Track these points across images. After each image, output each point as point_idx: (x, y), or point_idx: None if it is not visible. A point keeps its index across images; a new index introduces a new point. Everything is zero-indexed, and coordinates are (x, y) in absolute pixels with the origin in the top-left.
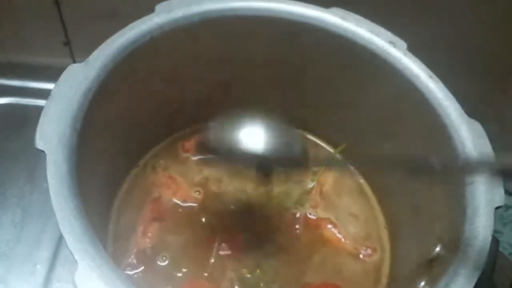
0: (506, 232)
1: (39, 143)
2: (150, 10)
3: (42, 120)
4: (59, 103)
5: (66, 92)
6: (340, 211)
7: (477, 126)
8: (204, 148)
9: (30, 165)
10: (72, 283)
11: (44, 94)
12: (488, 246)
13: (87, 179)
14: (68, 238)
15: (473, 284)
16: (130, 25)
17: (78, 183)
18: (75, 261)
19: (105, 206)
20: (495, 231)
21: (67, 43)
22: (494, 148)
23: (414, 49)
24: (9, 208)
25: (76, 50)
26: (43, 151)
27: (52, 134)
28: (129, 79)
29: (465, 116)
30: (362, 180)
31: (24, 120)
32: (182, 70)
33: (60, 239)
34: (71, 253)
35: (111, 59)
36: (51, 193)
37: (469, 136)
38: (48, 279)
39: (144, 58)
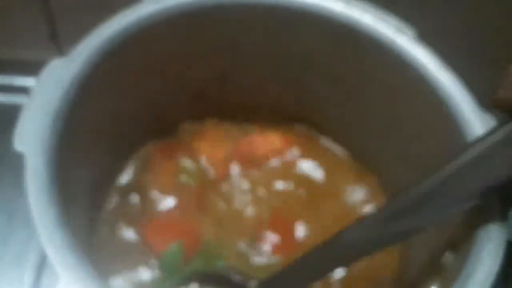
0: None
1: (19, 145)
2: (139, 1)
3: (21, 120)
4: (39, 102)
5: (47, 89)
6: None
7: (491, 120)
8: None
9: (16, 168)
10: None
11: (29, 90)
12: (502, 250)
13: (70, 183)
14: (50, 251)
15: None
16: (117, 16)
17: (59, 189)
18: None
19: (89, 213)
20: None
21: (54, 37)
22: None
23: (424, 37)
24: None
25: (64, 44)
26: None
27: (32, 136)
28: (117, 73)
29: (478, 109)
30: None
31: (9, 119)
32: (174, 64)
33: None
34: (53, 267)
35: (97, 52)
36: (30, 201)
37: (481, 130)
38: (36, 285)
39: (132, 51)
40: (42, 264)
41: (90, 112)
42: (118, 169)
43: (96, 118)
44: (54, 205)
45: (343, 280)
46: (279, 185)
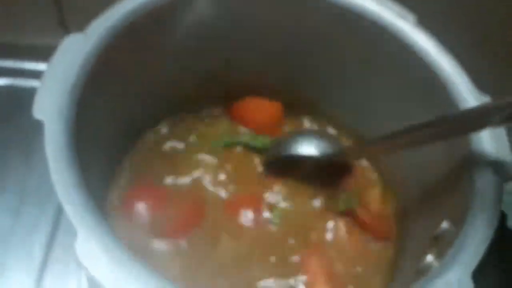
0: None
1: (37, 113)
2: None
3: (40, 90)
4: (57, 74)
5: (64, 62)
6: None
7: (488, 100)
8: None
9: (25, 148)
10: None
11: (38, 75)
12: (496, 219)
13: (86, 151)
14: (68, 208)
15: (481, 254)
16: None
17: (76, 154)
18: (75, 231)
19: (104, 180)
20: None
21: (62, 23)
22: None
23: (425, 24)
24: (5, 192)
25: (72, 29)
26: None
27: (50, 105)
28: (130, 52)
29: (476, 92)
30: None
31: (19, 102)
32: (183, 45)
33: (57, 221)
34: (71, 222)
35: (111, 30)
36: (49, 162)
37: None
38: (45, 262)
39: (145, 31)
40: (51, 240)
41: (105, 86)
42: (131, 143)
43: (111, 92)
44: (72, 168)
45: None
46: None
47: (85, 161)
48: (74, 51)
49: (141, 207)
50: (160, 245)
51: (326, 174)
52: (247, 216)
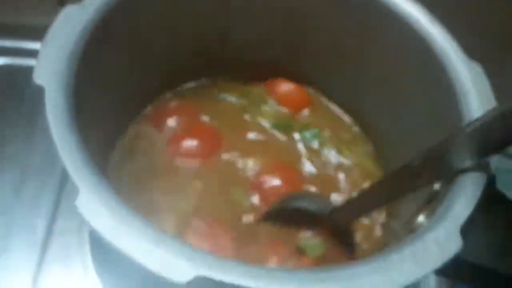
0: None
1: (38, 78)
2: None
3: (40, 57)
4: (56, 43)
5: (62, 31)
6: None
7: (478, 68)
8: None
9: (26, 126)
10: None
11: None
12: (485, 178)
13: (86, 118)
14: (69, 167)
15: (469, 211)
16: None
17: (76, 116)
18: (77, 188)
19: (104, 149)
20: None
21: (63, 2)
22: None
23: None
24: (7, 168)
25: None
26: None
27: (50, 71)
28: (127, 24)
29: (466, 58)
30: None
31: (19, 81)
32: (181, 19)
33: (58, 198)
34: (72, 180)
35: (107, 2)
36: (50, 124)
37: (470, 79)
38: (47, 236)
39: (141, 5)
40: (53, 214)
41: (102, 57)
42: (130, 116)
43: (108, 62)
44: (72, 129)
45: None
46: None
47: (86, 125)
48: (72, 20)
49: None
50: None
51: None
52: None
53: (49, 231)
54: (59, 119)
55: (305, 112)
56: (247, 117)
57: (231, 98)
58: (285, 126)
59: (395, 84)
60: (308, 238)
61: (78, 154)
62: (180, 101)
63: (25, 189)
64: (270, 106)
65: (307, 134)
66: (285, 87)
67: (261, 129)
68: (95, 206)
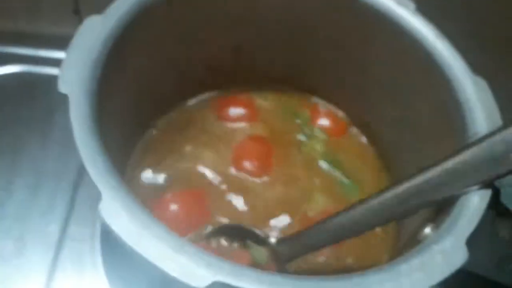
0: None
1: (62, 87)
2: None
3: (63, 66)
4: (79, 51)
5: (86, 41)
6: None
7: (482, 82)
8: None
9: (42, 131)
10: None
11: (54, 62)
12: (489, 191)
13: (108, 125)
14: (92, 172)
15: (475, 224)
16: None
17: (99, 125)
18: (99, 193)
19: (123, 154)
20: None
21: (77, 12)
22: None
23: (423, 11)
24: (22, 172)
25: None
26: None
27: (74, 80)
28: (145, 35)
29: (471, 74)
30: (365, 142)
31: (35, 88)
32: (196, 31)
33: (72, 200)
34: (96, 185)
35: (128, 12)
36: (74, 132)
37: (474, 93)
38: (61, 238)
39: (159, 16)
40: (67, 218)
41: (123, 64)
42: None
43: (128, 73)
44: (95, 136)
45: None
46: None
47: (107, 131)
48: (95, 30)
49: None
50: None
51: None
52: None
53: (62, 236)
54: (82, 127)
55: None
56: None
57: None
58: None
59: (401, 98)
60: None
61: (100, 160)
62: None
63: (39, 194)
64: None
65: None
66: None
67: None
68: (117, 212)
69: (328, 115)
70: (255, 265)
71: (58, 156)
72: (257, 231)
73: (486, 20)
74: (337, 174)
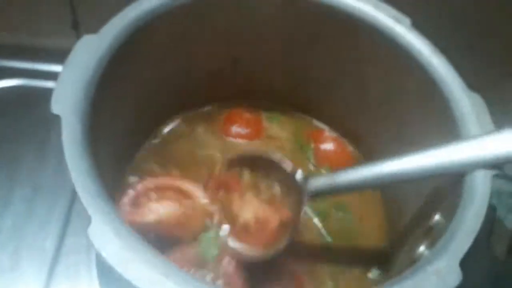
0: (510, 218)
1: (55, 108)
2: None
3: (57, 86)
4: (73, 71)
5: (80, 60)
6: None
7: (478, 98)
8: None
9: (39, 144)
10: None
11: (52, 76)
12: (484, 210)
13: (101, 143)
14: (82, 195)
15: (469, 244)
16: (140, 1)
17: (91, 146)
18: (89, 216)
19: (117, 173)
20: (500, 219)
21: (76, 26)
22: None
23: (418, 26)
24: (20, 185)
25: (85, 33)
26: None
27: (67, 100)
28: (141, 51)
29: (467, 89)
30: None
31: (33, 101)
32: (192, 45)
33: (68, 215)
34: (85, 209)
35: (123, 31)
36: (65, 153)
37: (470, 109)
38: (57, 252)
39: (155, 32)
40: (63, 231)
41: (117, 83)
42: (145, 136)
43: (122, 89)
44: (87, 158)
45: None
46: None
47: (99, 152)
48: (89, 51)
49: None
50: None
51: None
52: None
53: (58, 250)
54: (74, 149)
55: None
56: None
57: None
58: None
59: (395, 113)
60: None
61: (91, 183)
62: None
63: (36, 207)
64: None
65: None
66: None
67: None
68: (107, 236)
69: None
70: (203, 261)
71: (55, 169)
72: (284, 164)
73: (481, 35)
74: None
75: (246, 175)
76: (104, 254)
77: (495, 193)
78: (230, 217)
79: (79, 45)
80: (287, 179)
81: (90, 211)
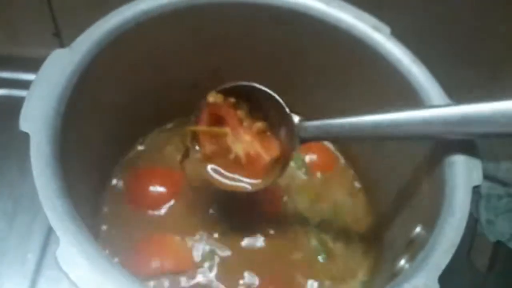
0: (498, 222)
1: (23, 125)
2: None
3: (26, 103)
4: (43, 87)
5: (50, 76)
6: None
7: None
8: None
9: (20, 156)
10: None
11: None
12: (464, 223)
13: (74, 163)
14: (50, 216)
15: (448, 258)
16: (115, 11)
17: (62, 166)
18: (58, 238)
19: (91, 191)
20: (488, 221)
21: (57, 34)
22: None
23: (399, 35)
24: (0, 199)
25: (66, 41)
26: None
27: (36, 117)
28: (115, 64)
29: (447, 99)
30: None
31: (15, 112)
32: (169, 57)
33: (51, 229)
34: (54, 230)
35: (96, 44)
36: (34, 173)
37: None
38: (38, 267)
39: (129, 44)
40: (45, 246)
41: (90, 98)
42: (120, 153)
43: (97, 104)
44: (56, 177)
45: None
46: None
47: (72, 169)
48: (60, 65)
49: None
50: None
51: None
52: None
53: (39, 264)
54: (43, 168)
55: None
56: None
57: None
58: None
59: None
60: None
61: (60, 203)
62: None
63: (18, 220)
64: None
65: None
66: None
67: None
68: (75, 259)
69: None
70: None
71: None
72: (282, 102)
73: (462, 44)
74: None
75: (243, 107)
76: (72, 277)
77: (483, 196)
78: (222, 150)
79: (50, 60)
80: (282, 118)
81: (59, 233)
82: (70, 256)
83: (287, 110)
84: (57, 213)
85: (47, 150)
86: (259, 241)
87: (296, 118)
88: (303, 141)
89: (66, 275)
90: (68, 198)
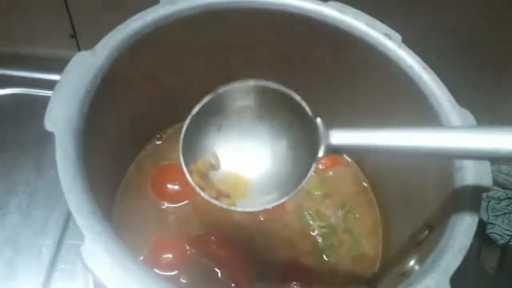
0: (498, 224)
1: (48, 125)
2: (155, 1)
3: (51, 104)
4: (67, 88)
5: (74, 78)
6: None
7: (468, 114)
8: None
9: (36, 153)
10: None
11: (50, 85)
12: (474, 227)
13: (94, 161)
14: (76, 215)
15: (458, 262)
16: (135, 16)
17: (85, 165)
18: (83, 236)
19: (110, 188)
20: (488, 223)
21: (74, 35)
22: None
23: (409, 42)
24: (16, 194)
25: (83, 42)
26: (51, 136)
27: (61, 117)
28: (134, 67)
29: (457, 105)
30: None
31: (31, 111)
32: (185, 61)
33: (65, 224)
34: (79, 228)
35: (117, 48)
36: (59, 172)
37: (459, 124)
38: (53, 262)
39: (149, 48)
40: (59, 241)
41: (111, 99)
42: (137, 151)
43: (117, 105)
44: (81, 177)
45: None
46: None
47: (93, 168)
48: (83, 67)
49: None
50: None
51: None
52: None
53: (54, 259)
54: (68, 167)
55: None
56: None
57: None
58: None
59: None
60: None
61: (85, 201)
62: None
63: (33, 215)
64: None
65: None
66: None
67: None
68: (99, 256)
69: None
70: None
71: (53, 179)
72: (306, 106)
73: (472, 52)
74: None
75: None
76: (96, 273)
77: (483, 199)
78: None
79: (73, 62)
80: (302, 124)
81: (84, 230)
82: (95, 253)
83: (310, 113)
84: (82, 212)
85: (71, 150)
86: None
87: (320, 124)
88: (329, 152)
89: (90, 271)
90: (92, 196)
